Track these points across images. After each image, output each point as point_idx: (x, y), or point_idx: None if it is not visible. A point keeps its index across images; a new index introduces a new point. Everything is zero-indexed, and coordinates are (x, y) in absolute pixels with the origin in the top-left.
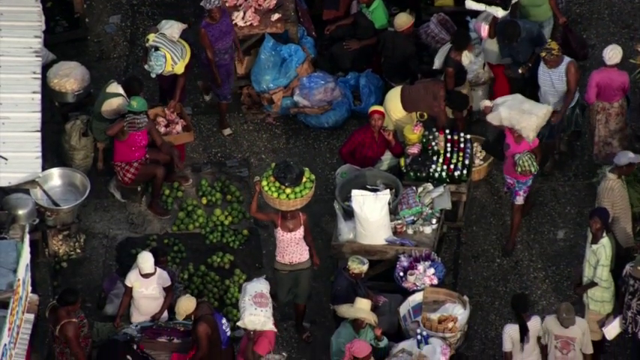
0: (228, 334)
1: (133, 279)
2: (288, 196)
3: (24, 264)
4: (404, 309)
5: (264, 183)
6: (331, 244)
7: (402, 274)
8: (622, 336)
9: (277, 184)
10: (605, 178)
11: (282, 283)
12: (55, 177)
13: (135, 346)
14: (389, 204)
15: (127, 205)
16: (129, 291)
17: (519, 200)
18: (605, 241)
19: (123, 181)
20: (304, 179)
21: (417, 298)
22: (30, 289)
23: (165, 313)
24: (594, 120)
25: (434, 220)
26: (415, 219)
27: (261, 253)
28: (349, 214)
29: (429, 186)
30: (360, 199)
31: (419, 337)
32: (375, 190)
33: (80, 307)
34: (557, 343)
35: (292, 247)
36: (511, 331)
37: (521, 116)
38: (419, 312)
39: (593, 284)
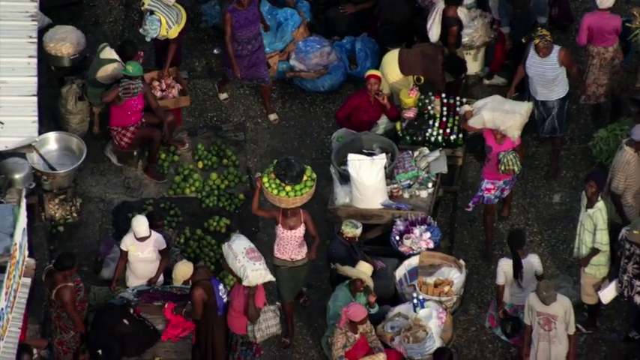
0: (225, 300)
1: (128, 243)
2: (288, 193)
3: (21, 228)
4: (400, 273)
5: (265, 179)
6: (327, 208)
7: (398, 238)
8: (618, 300)
9: (278, 181)
10: (622, 150)
11: (283, 279)
12: (52, 141)
13: (131, 310)
14: (385, 168)
15: (123, 169)
16: (124, 255)
17: (507, 193)
18: (600, 204)
19: (119, 146)
20: (305, 177)
21: (413, 262)
22: (27, 253)
23: (161, 277)
24: (589, 64)
25: (430, 184)
26: (411, 183)
27: (257, 216)
28: (345, 178)
29: (425, 150)
30: (356, 163)
31: (415, 301)
32: (371, 154)
33: (76, 271)
34: (539, 319)
35: (292, 245)
36: (505, 265)
37: (505, 116)
38: (415, 276)
39: (595, 252)
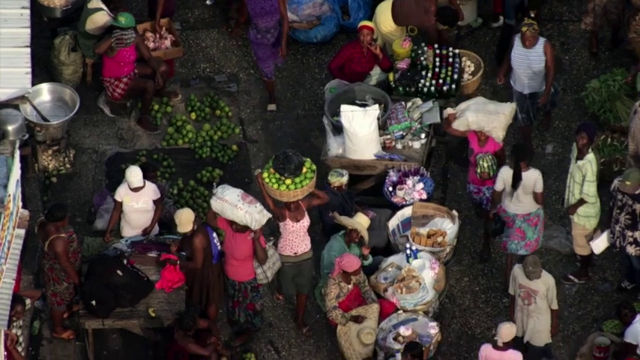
0: (219, 248)
1: (122, 193)
2: (288, 186)
3: (14, 179)
4: (393, 224)
5: (265, 175)
6: (320, 159)
7: (391, 188)
8: (610, 250)
9: (277, 175)
10: (638, 112)
11: (285, 274)
12: (45, 92)
13: (125, 261)
14: (378, 119)
15: (116, 121)
16: (119, 206)
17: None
18: (590, 156)
19: (112, 97)
20: (305, 169)
21: (406, 212)
22: (20, 204)
23: (156, 227)
24: None
25: (423, 135)
26: (404, 134)
27: (250, 167)
28: (338, 129)
29: (418, 101)
30: (349, 114)
31: (408, 251)
32: (364, 105)
33: (69, 223)
34: (520, 292)
35: (300, 238)
36: (505, 174)
37: (489, 117)
38: (408, 226)
39: (581, 202)
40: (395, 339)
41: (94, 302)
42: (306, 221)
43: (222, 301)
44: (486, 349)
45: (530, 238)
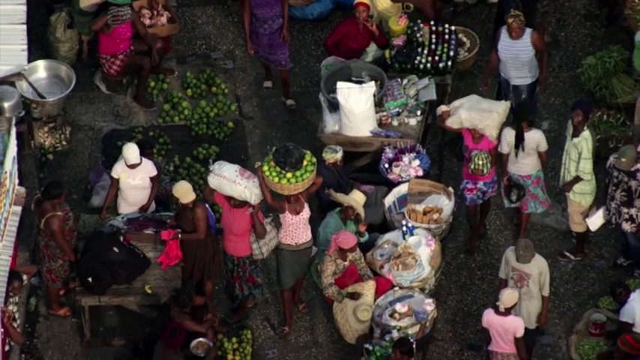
0: (214, 218)
1: (119, 170)
2: (289, 180)
3: (10, 156)
4: (389, 200)
5: (266, 168)
6: (316, 136)
7: (387, 165)
8: (606, 227)
9: (278, 168)
10: None
11: (285, 263)
12: (41, 69)
13: (121, 238)
14: (374, 96)
15: (113, 97)
16: (115, 183)
17: (490, 194)
18: (586, 134)
19: (108, 74)
20: (305, 162)
21: (402, 189)
22: (17, 181)
23: (153, 204)
24: None
25: (419, 112)
26: (400, 111)
27: (247, 144)
28: (334, 106)
29: (414, 78)
30: (345, 91)
31: (404, 228)
32: (360, 82)
33: (65, 200)
34: (513, 274)
35: (300, 229)
36: (508, 134)
37: (482, 115)
38: (404, 203)
39: (577, 179)
40: (391, 316)
41: (90, 279)
42: (305, 213)
43: (220, 277)
44: (489, 314)
45: (542, 197)
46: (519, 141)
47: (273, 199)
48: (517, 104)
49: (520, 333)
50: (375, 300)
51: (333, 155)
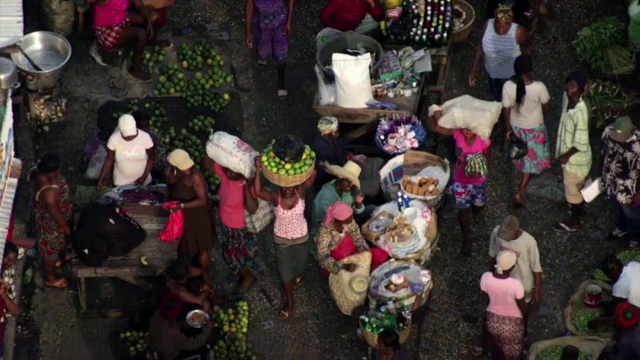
0: (209, 189)
1: (115, 142)
2: (287, 171)
3: (7, 128)
4: (385, 172)
5: (264, 158)
6: (312, 108)
7: (382, 137)
8: (601, 198)
9: (277, 159)
10: None
11: (283, 258)
12: (37, 41)
13: (117, 210)
14: (369, 67)
15: (108, 69)
16: (111, 154)
17: (479, 202)
18: (581, 105)
19: (104, 46)
20: (304, 156)
21: (397, 161)
22: (13, 153)
23: (149, 176)
24: None
25: (414, 84)
26: (396, 82)
27: (242, 116)
28: (330, 77)
29: (410, 49)
30: (341, 62)
31: (400, 199)
32: (355, 54)
33: (61, 173)
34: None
35: (293, 224)
36: (509, 89)
37: (475, 114)
38: (400, 175)
39: (573, 150)
40: (387, 287)
41: (86, 251)
42: (298, 209)
43: (216, 249)
44: (487, 277)
45: (541, 156)
46: (521, 94)
47: (263, 191)
48: (517, 58)
49: (520, 295)
50: (370, 271)
51: (328, 126)
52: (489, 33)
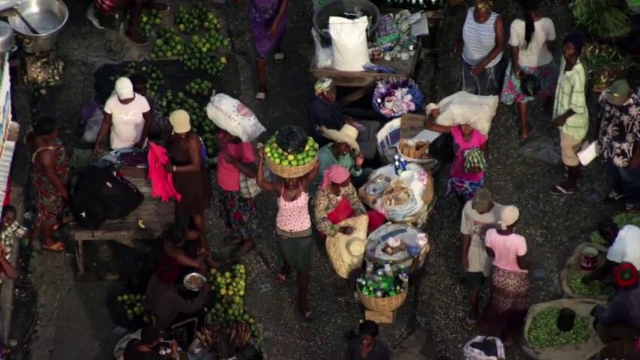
0: (206, 152)
1: (112, 105)
2: (290, 162)
3: (4, 91)
4: (381, 135)
5: (267, 149)
6: (309, 71)
7: (379, 100)
8: (598, 161)
9: (280, 150)
10: None
11: (283, 249)
12: (33, 4)
13: (114, 173)
14: (366, 31)
15: (105, 33)
16: (108, 118)
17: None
18: (578, 67)
19: (101, 9)
20: (307, 147)
21: (394, 124)
22: (10, 116)
23: (146, 139)
24: None
25: (411, 47)
26: (392, 45)
27: (239, 79)
28: (327, 41)
29: (407, 12)
30: (338, 26)
31: (397, 163)
32: (352, 17)
33: (57, 136)
34: (475, 228)
35: (294, 216)
36: (517, 26)
37: (474, 108)
38: (396, 138)
39: (570, 112)
40: (384, 250)
41: (83, 214)
42: (301, 201)
43: (214, 212)
44: (491, 234)
45: (543, 87)
46: (529, 31)
47: (265, 181)
48: None
49: (522, 252)
50: (367, 234)
51: (320, 85)
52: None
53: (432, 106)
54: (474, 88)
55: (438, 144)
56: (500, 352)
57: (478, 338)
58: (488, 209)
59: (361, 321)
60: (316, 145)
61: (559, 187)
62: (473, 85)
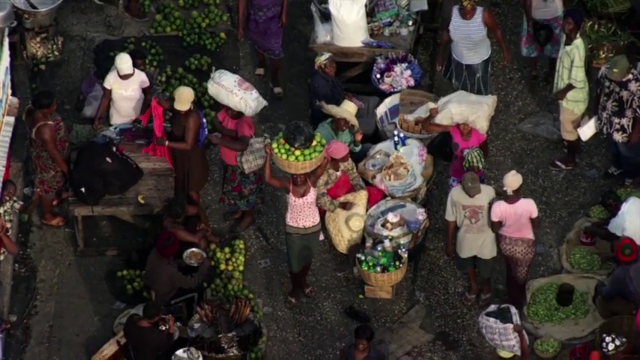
0: (206, 133)
1: (112, 81)
2: (297, 157)
3: (3, 67)
4: (381, 111)
5: (274, 145)
6: (308, 47)
7: (378, 76)
8: (597, 136)
9: (287, 146)
10: None
11: (295, 248)
12: None
13: (114, 148)
14: (365, 6)
15: (105, 8)
16: (108, 93)
17: None
18: (578, 42)
19: None
20: (314, 143)
21: (393, 99)
22: (9, 92)
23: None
24: None
25: (410, 22)
26: (392, 21)
27: (239, 55)
28: (326, 16)
29: None
30: (337, 1)
31: (396, 138)
32: None
33: (56, 110)
34: (465, 212)
35: (305, 212)
36: None
37: (472, 107)
38: (396, 114)
39: (569, 87)
40: (383, 225)
41: (83, 189)
42: (310, 197)
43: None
44: (500, 205)
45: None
46: None
47: (273, 178)
48: None
49: (535, 213)
50: (367, 210)
51: (319, 58)
52: (455, 20)
53: (430, 105)
54: (457, 83)
55: (436, 140)
56: (516, 318)
57: (492, 307)
58: (480, 189)
59: (358, 325)
60: (324, 141)
61: (558, 163)
62: (462, 82)
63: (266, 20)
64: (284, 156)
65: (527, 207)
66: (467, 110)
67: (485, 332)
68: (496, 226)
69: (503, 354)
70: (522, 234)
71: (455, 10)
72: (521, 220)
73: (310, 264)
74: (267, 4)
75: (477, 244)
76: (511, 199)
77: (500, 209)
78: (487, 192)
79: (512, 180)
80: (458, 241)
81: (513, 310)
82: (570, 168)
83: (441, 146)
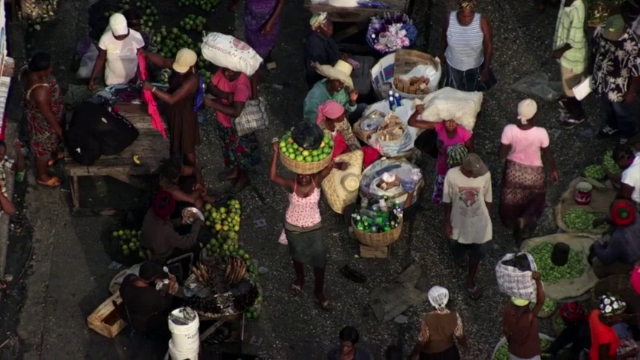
0: (201, 102)
1: (107, 41)
2: (305, 158)
3: None
4: (376, 71)
5: (282, 144)
6: (303, 7)
7: (373, 36)
8: (592, 96)
9: (295, 145)
10: None
11: (294, 243)
12: None
13: (109, 109)
14: None
15: None
16: (103, 54)
17: None
18: (577, 3)
19: None
20: (323, 144)
21: (388, 59)
22: (5, 52)
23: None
24: None
25: None
26: None
27: (234, 15)
28: None
29: None
30: None
31: (391, 98)
32: None
33: (52, 72)
34: (461, 194)
35: (306, 212)
36: None
37: (459, 103)
38: (391, 74)
39: (567, 46)
40: (378, 185)
41: (78, 149)
42: (314, 197)
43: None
44: (512, 129)
45: None
46: None
47: (278, 176)
48: None
49: (546, 143)
50: (362, 170)
51: (316, 18)
52: (453, 26)
53: (416, 101)
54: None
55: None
56: (533, 265)
57: (508, 256)
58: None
59: (343, 326)
60: (332, 143)
61: (570, 120)
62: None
63: (258, 29)
64: (292, 155)
65: (539, 135)
66: (454, 106)
67: (502, 281)
68: (504, 150)
69: (519, 302)
70: (531, 161)
71: (452, 17)
72: (532, 148)
73: (323, 271)
74: (262, 14)
75: (473, 229)
76: (524, 126)
77: (512, 133)
78: (484, 175)
79: (527, 109)
80: (453, 225)
81: (530, 257)
82: (583, 120)
83: (427, 141)
